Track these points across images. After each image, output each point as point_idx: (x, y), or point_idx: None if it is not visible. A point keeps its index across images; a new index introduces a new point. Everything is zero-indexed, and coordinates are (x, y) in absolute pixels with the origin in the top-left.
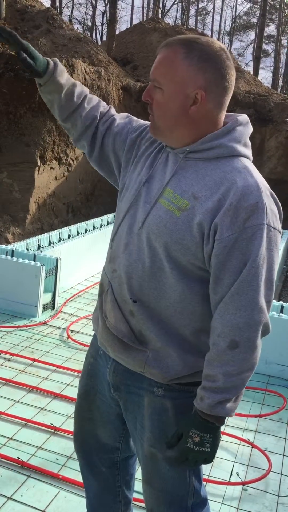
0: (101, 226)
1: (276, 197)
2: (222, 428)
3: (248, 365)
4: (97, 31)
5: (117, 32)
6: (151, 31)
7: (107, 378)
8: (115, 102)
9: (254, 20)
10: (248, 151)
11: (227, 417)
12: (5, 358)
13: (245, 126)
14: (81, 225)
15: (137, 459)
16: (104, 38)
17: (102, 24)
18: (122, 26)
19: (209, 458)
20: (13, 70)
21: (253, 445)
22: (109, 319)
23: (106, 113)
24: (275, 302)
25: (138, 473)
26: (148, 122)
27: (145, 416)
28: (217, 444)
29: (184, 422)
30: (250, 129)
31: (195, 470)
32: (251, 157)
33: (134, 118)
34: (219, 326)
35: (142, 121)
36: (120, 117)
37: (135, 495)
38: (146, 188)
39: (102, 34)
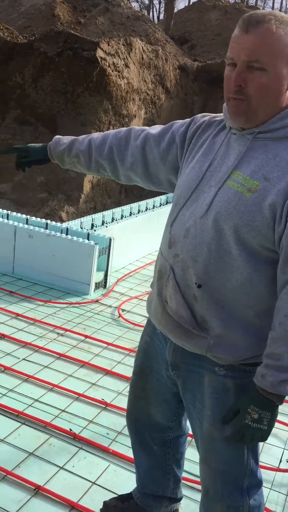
0: (153, 207)
1: None
2: None
3: None
4: (155, 10)
5: (175, 10)
6: (211, 8)
7: (165, 357)
8: (172, 81)
9: None
10: None
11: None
12: (58, 333)
13: None
14: (134, 206)
15: (194, 438)
16: (162, 16)
17: (160, 3)
18: (180, 4)
19: (265, 435)
20: (72, 48)
21: None
22: (169, 304)
23: (131, 137)
24: None
25: (188, 454)
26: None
27: (205, 395)
28: (274, 422)
29: (243, 398)
30: None
31: (253, 451)
32: None
33: (174, 123)
34: (286, 305)
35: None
36: (153, 129)
37: (184, 475)
38: (210, 172)
39: (159, 12)
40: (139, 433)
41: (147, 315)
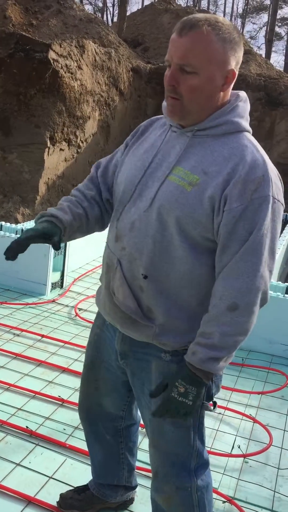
0: None
1: (278, 171)
2: (225, 404)
3: (243, 329)
4: (108, 12)
5: (128, 13)
6: (163, 12)
7: (114, 347)
8: (125, 84)
9: (268, 2)
10: (248, 126)
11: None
12: (14, 334)
13: (245, 101)
14: None
15: (144, 425)
16: (115, 19)
17: (113, 5)
18: (133, 7)
19: (189, 411)
20: (23, 50)
21: (255, 420)
22: (117, 296)
23: (99, 177)
24: (280, 284)
25: (142, 444)
26: None
27: (152, 381)
28: (199, 400)
29: (172, 373)
30: (249, 105)
31: (199, 433)
32: (251, 131)
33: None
34: (221, 289)
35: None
36: (108, 159)
37: (138, 464)
38: (152, 168)
39: (113, 15)
40: (92, 423)
41: None
